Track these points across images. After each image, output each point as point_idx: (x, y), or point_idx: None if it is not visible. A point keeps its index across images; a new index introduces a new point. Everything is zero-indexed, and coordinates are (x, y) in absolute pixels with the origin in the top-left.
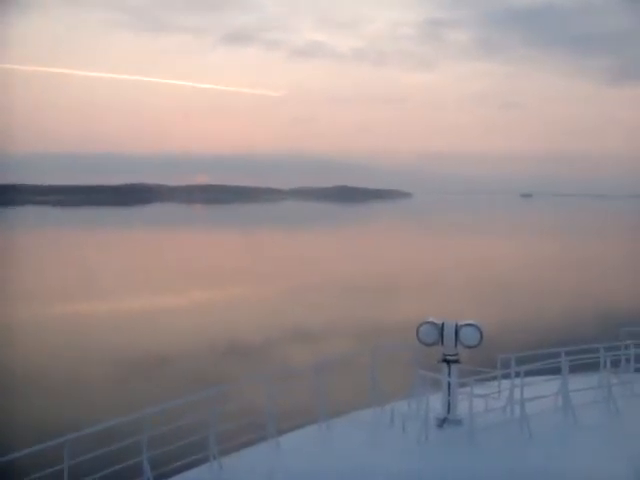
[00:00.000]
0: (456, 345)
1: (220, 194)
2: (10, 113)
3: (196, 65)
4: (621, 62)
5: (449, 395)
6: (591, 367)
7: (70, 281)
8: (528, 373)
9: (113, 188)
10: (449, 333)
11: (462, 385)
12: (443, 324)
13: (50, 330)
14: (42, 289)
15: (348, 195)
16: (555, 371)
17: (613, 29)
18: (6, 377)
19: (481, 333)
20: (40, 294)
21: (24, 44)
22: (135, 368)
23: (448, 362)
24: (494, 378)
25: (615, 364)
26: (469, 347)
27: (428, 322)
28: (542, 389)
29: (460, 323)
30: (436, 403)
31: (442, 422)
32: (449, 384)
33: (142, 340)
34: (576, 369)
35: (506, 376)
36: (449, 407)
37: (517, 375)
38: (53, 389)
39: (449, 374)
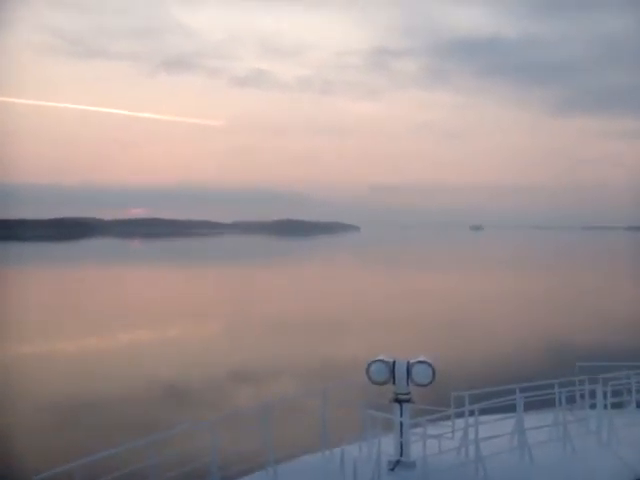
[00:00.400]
0: (408, 384)
1: (157, 228)
2: None
3: (133, 93)
4: (563, 93)
5: (401, 436)
6: (546, 404)
7: None
8: (482, 411)
9: (44, 222)
10: (400, 371)
11: (415, 425)
12: (394, 362)
13: None
14: None
15: (292, 228)
16: (510, 409)
17: (556, 60)
18: None
19: (433, 370)
20: None
21: None
22: (64, 415)
23: (400, 402)
24: (448, 417)
25: (570, 400)
26: (421, 385)
27: (378, 360)
28: (497, 428)
29: (412, 361)
30: (388, 445)
31: (395, 465)
32: (401, 425)
33: (72, 385)
34: (531, 406)
35: (460, 415)
36: (402, 449)
37: (471, 414)
38: None
39: (401, 414)
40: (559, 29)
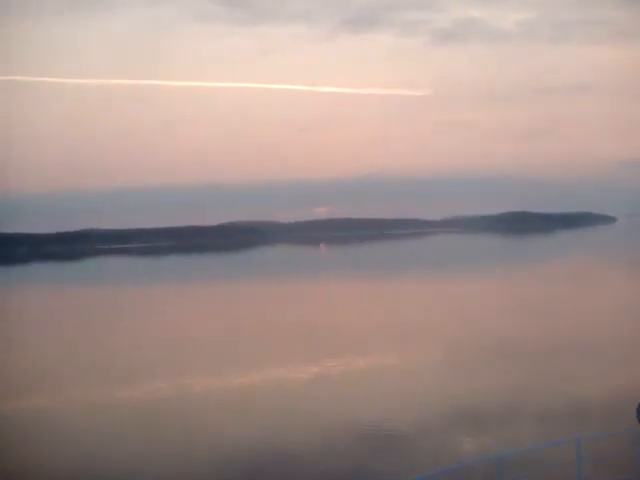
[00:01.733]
0: None
1: (346, 229)
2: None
3: (309, 62)
4: None
5: None
6: None
7: (171, 348)
8: None
9: (211, 229)
10: None
11: None
12: None
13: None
14: (115, 362)
15: (524, 223)
16: None
17: None
18: None
19: None
20: (110, 371)
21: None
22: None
23: None
24: None
25: None
26: None
27: None
28: None
29: None
30: None
31: None
32: None
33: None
34: None
35: None
36: None
37: None
38: None
39: None
40: None
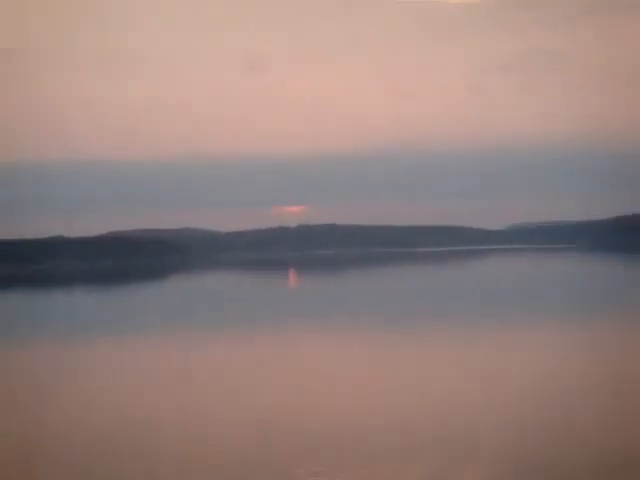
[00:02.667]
0: None
1: (337, 245)
2: None
3: None
4: None
5: None
6: None
7: None
8: None
9: (84, 244)
10: None
11: None
12: None
13: None
14: None
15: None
16: None
17: None
18: None
19: None
20: None
21: None
22: None
23: None
24: None
25: None
26: None
27: None
28: None
29: None
30: None
31: None
32: None
33: None
34: None
35: None
36: None
37: None
38: None
39: None
40: None
